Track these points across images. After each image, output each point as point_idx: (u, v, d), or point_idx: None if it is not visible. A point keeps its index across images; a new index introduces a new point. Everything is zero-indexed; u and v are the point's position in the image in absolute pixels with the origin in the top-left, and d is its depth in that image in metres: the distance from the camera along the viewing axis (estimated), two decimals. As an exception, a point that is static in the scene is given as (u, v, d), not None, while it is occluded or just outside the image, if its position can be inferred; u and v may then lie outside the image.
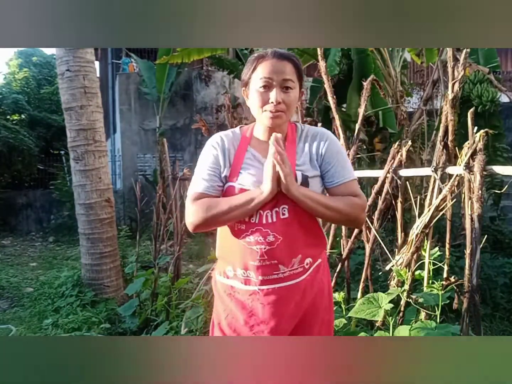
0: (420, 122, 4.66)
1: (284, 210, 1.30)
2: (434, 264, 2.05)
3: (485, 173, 1.68)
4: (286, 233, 1.29)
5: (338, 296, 2.16)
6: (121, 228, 5.68)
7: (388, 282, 2.12)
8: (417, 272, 2.02)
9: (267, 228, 1.29)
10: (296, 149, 1.37)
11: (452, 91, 1.90)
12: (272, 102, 1.27)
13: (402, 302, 1.97)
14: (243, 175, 1.32)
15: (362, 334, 1.99)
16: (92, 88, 3.93)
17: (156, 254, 3.44)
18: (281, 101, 1.28)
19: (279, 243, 1.29)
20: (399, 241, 2.19)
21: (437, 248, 2.08)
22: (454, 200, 1.93)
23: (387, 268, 2.08)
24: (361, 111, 2.42)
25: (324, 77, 2.56)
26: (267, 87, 1.29)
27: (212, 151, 1.38)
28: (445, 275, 2.01)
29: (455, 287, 1.94)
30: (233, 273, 1.36)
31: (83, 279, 4.08)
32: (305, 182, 1.32)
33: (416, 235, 1.92)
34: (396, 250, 2.17)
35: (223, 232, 1.39)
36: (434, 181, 1.94)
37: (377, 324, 2.11)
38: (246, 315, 1.35)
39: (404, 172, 2.10)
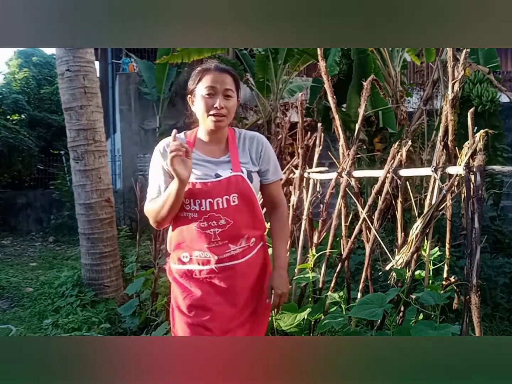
0: (420, 122, 4.66)
1: (235, 198, 1.52)
2: (434, 264, 2.05)
3: (485, 173, 1.68)
4: (235, 217, 1.53)
5: (338, 296, 2.16)
6: (121, 228, 5.67)
7: (388, 282, 2.12)
8: (417, 272, 2.02)
9: (219, 213, 1.51)
10: (237, 149, 1.60)
11: (452, 91, 1.90)
12: (216, 107, 1.49)
13: (402, 302, 1.97)
14: (193, 172, 1.49)
15: (362, 334, 1.99)
16: (92, 88, 3.92)
17: (156, 254, 3.44)
18: (224, 107, 1.50)
19: (229, 226, 1.52)
20: (399, 241, 2.19)
21: (437, 248, 2.08)
22: (454, 200, 1.93)
23: (387, 268, 2.08)
24: (361, 111, 2.41)
25: (324, 77, 2.55)
26: (212, 94, 1.50)
27: (160, 159, 1.56)
28: (445, 275, 2.01)
29: (455, 287, 1.94)
30: (189, 258, 1.56)
31: (83, 279, 4.08)
32: (249, 176, 1.57)
33: (416, 235, 1.92)
34: (396, 250, 2.17)
35: (175, 226, 1.57)
36: (434, 181, 1.94)
37: (376, 324, 2.11)
38: (204, 292, 1.55)
39: (404, 172, 2.10)
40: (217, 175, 1.53)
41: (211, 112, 1.50)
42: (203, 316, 1.54)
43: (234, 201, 1.52)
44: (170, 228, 1.61)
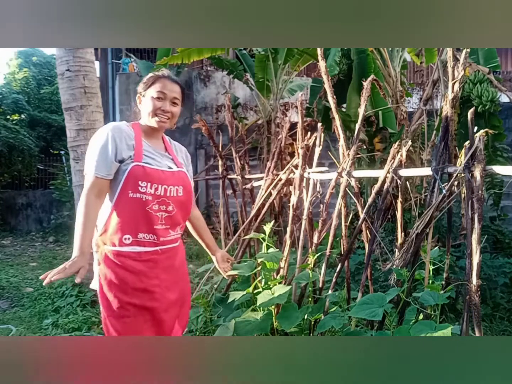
0: (420, 122, 4.65)
1: (180, 190, 1.75)
2: (434, 264, 2.05)
3: (485, 173, 1.68)
4: (179, 206, 1.75)
5: (338, 296, 2.16)
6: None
7: (388, 282, 2.12)
8: (417, 272, 2.02)
9: (169, 200, 1.71)
10: (173, 150, 1.85)
11: (452, 91, 1.90)
12: (163, 110, 1.72)
13: (402, 302, 1.97)
14: (146, 159, 1.68)
15: (362, 334, 1.99)
16: (92, 88, 3.93)
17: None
18: (169, 111, 1.73)
19: (174, 213, 1.73)
20: (399, 241, 2.19)
21: (437, 248, 2.08)
22: (454, 200, 1.93)
23: (387, 268, 2.08)
24: (361, 111, 2.41)
25: (324, 77, 2.55)
26: (161, 99, 1.72)
27: (111, 139, 1.65)
28: (445, 275, 2.01)
29: (454, 287, 1.94)
30: (131, 239, 1.66)
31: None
32: (186, 172, 1.82)
33: (416, 235, 1.92)
34: (396, 250, 2.17)
35: (121, 206, 1.65)
36: (434, 181, 1.94)
37: (376, 324, 2.11)
38: (143, 274, 1.66)
39: (404, 172, 2.10)
40: (169, 167, 1.75)
41: (158, 113, 1.72)
42: (144, 297, 1.67)
43: (180, 193, 1.74)
44: (107, 212, 1.68)
